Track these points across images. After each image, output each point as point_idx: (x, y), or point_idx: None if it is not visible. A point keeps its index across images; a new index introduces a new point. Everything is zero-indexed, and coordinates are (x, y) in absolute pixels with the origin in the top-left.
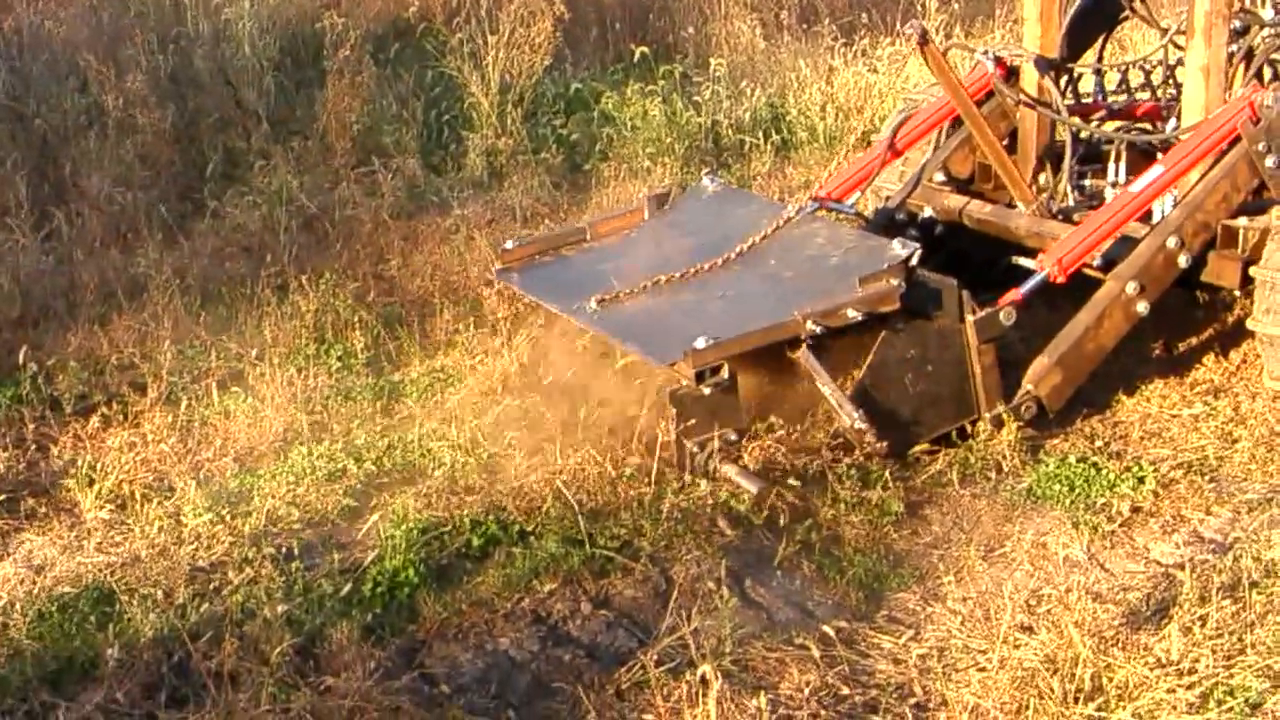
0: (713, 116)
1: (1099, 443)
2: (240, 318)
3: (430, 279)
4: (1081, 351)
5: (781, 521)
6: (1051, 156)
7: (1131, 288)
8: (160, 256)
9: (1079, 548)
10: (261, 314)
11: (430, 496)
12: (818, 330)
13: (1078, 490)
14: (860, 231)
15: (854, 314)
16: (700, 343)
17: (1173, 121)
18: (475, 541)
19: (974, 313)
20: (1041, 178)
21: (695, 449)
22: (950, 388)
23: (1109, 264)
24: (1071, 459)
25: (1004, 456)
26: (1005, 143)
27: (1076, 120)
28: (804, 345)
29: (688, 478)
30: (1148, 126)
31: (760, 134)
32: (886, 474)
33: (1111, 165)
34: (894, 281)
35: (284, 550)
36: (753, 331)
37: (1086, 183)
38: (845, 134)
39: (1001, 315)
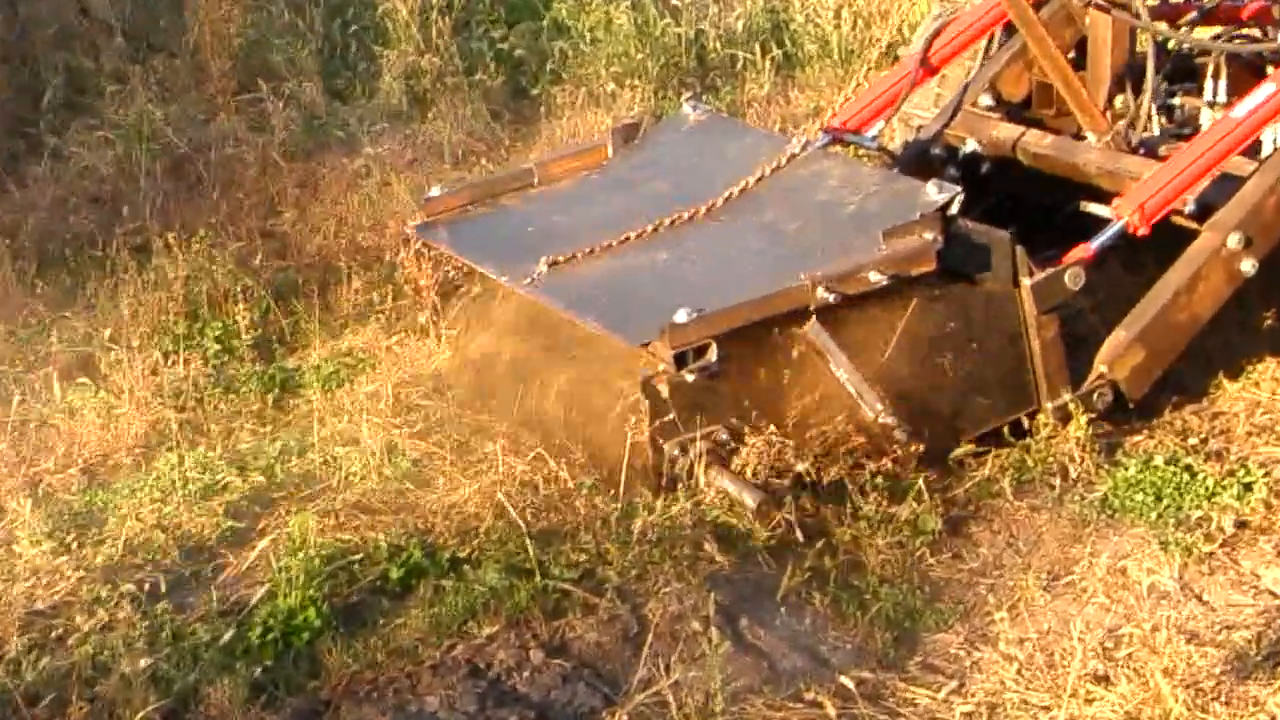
0: (696, 26)
1: (1194, 440)
2: (89, 288)
3: (334, 236)
4: (1170, 323)
5: (787, 544)
6: (1131, 73)
7: (1234, 240)
8: None
9: (1168, 574)
10: (117, 283)
11: (336, 516)
12: (831, 299)
13: (1166, 501)
14: (885, 171)
15: (877, 277)
16: (681, 316)
17: None
18: (394, 573)
19: (1031, 274)
20: (1118, 100)
21: (675, 452)
22: (1001, 371)
23: (1205, 211)
24: (1159, 461)
25: (1071, 459)
26: (1071, 56)
27: (1162, 26)
28: (813, 318)
29: (666, 489)
30: (1255, 33)
31: (757, 48)
32: (920, 482)
33: (1209, 83)
34: (928, 235)
35: (147, 587)
36: (748, 302)
37: (1176, 105)
38: (866, 47)
39: (1067, 277)
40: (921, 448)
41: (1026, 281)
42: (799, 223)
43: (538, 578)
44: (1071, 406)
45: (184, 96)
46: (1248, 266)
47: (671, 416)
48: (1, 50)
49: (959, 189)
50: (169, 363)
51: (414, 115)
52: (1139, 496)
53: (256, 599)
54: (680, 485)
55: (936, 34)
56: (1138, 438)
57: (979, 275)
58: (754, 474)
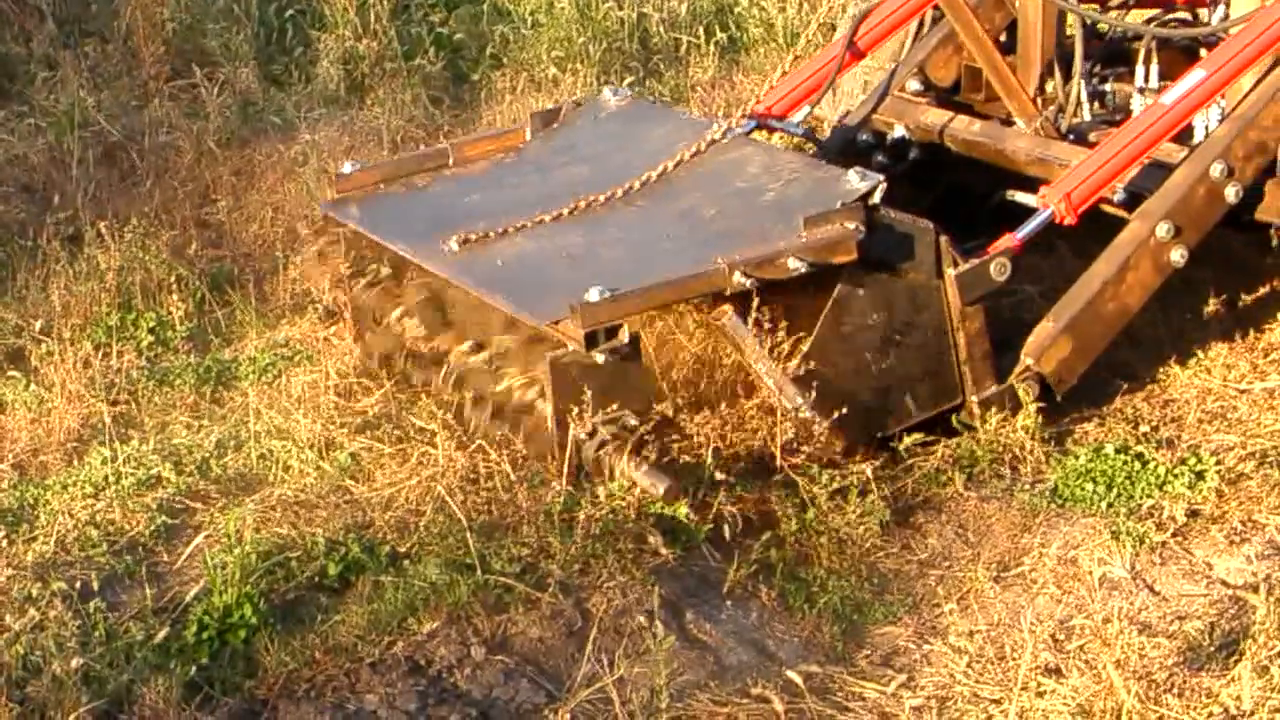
0: (638, 9)
1: (1144, 428)
2: (19, 279)
3: (271, 225)
4: (1098, 314)
5: (730, 535)
6: (1063, 58)
7: (1163, 230)
8: None
9: (1120, 565)
10: (48, 273)
11: (272, 511)
12: (747, 284)
13: (1117, 490)
14: (808, 158)
15: (796, 264)
16: (593, 295)
17: (1220, 9)
18: (331, 569)
19: (956, 265)
20: (1050, 85)
21: (584, 436)
22: (925, 363)
23: (1135, 199)
24: (1109, 449)
25: (1021, 448)
26: (1004, 39)
27: (1093, 9)
28: (729, 308)
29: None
30: (1187, 15)
31: (701, 31)
32: (869, 472)
33: (1141, 68)
34: (849, 224)
35: (79, 585)
36: (662, 283)
37: (1108, 90)
38: (811, 29)
39: (992, 268)
40: (841, 442)
41: (951, 272)
42: (716, 208)
43: (479, 572)
44: (1022, 393)
45: (116, 83)
46: (1177, 256)
47: (582, 399)
48: None
49: (881, 177)
50: (101, 355)
51: (352, 101)
52: (1090, 486)
53: (191, 596)
54: (587, 471)
55: (864, 17)
56: (1088, 426)
57: (903, 265)
58: (670, 460)
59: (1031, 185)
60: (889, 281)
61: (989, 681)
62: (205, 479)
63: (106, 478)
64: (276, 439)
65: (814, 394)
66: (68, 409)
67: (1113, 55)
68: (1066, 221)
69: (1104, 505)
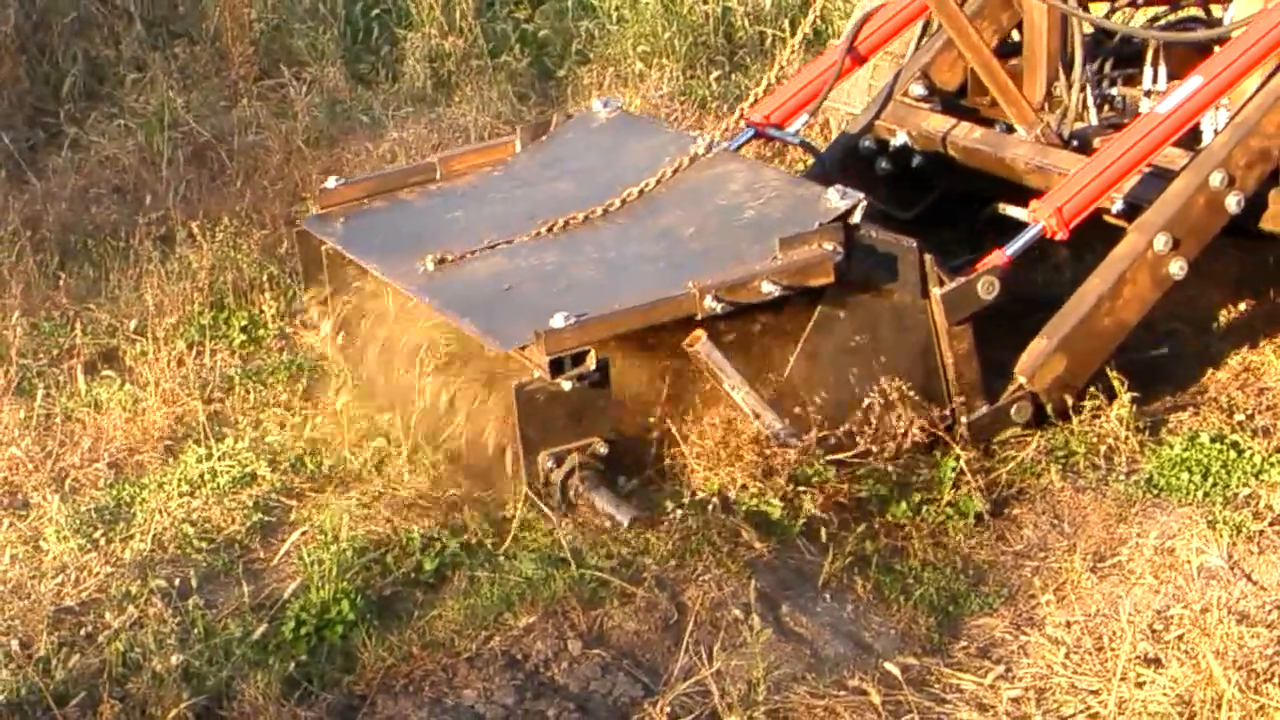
0: (724, 3)
1: (1239, 416)
2: (112, 279)
3: None
4: (1094, 331)
5: (825, 530)
6: (1069, 60)
7: (1161, 242)
8: (4, 201)
9: (1217, 554)
10: (140, 273)
11: (369, 508)
12: (719, 309)
13: (1213, 479)
14: (788, 175)
15: (770, 288)
16: (558, 321)
17: (1231, 9)
18: (427, 564)
19: (942, 284)
20: (1057, 89)
21: (549, 464)
22: (912, 386)
23: (1134, 210)
24: (1204, 438)
25: (1116, 437)
26: (1015, 40)
27: (1100, 9)
28: (703, 334)
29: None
30: (1198, 13)
31: (786, 24)
32: (963, 463)
33: (1148, 70)
34: (828, 245)
35: (177, 583)
36: (629, 309)
37: (1115, 94)
38: None
39: (980, 286)
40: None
41: (937, 292)
42: (695, 227)
43: (574, 567)
44: (1014, 413)
45: (205, 83)
46: (1176, 269)
47: (546, 427)
48: (19, 40)
49: (862, 196)
50: (195, 354)
51: (439, 98)
52: (1185, 475)
53: (289, 593)
54: (555, 500)
55: (864, 21)
56: (1182, 415)
57: (886, 286)
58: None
59: (1032, 194)
60: (872, 302)
61: (1087, 672)
62: (300, 476)
63: (202, 476)
64: (374, 434)
65: (793, 420)
66: (162, 408)
67: (1123, 56)
68: (1058, 237)
69: (1200, 494)
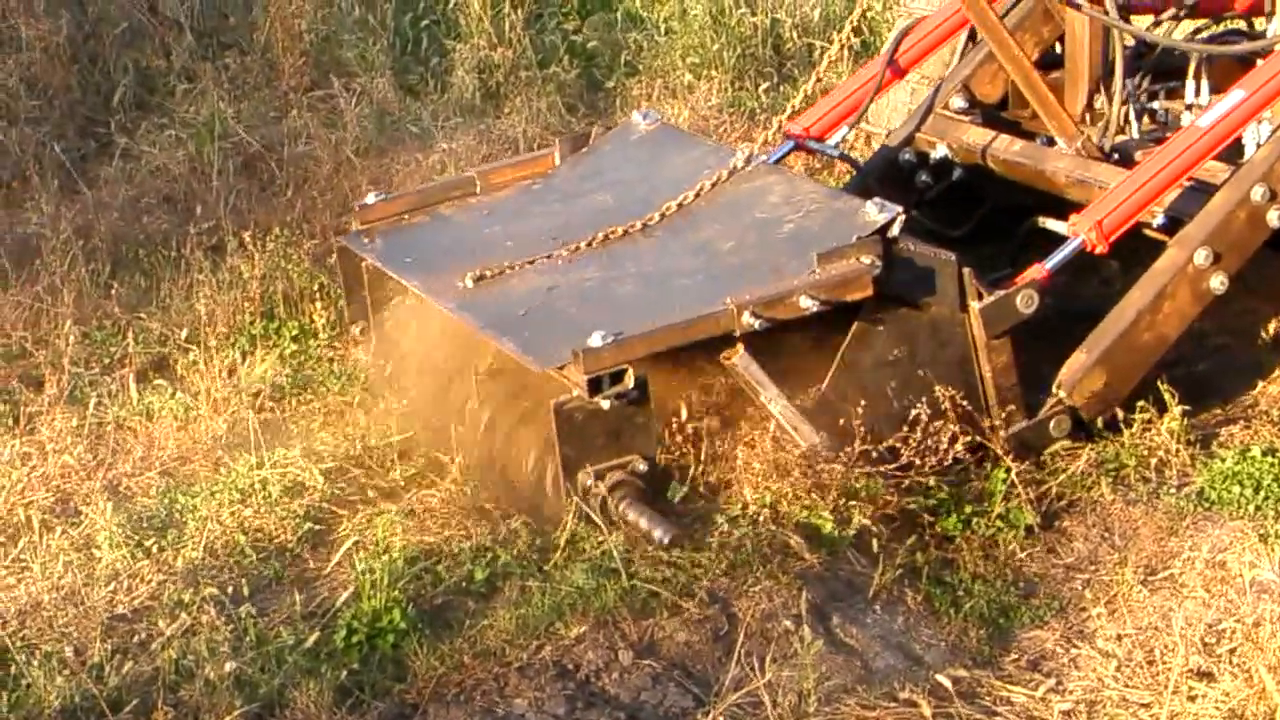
0: (772, 15)
1: None
2: (163, 289)
3: None
4: (1133, 346)
5: (876, 542)
6: (1111, 73)
7: (1202, 257)
8: (56, 210)
9: (1269, 567)
10: (191, 283)
11: (421, 517)
12: (757, 325)
13: (1265, 493)
14: (828, 189)
15: (808, 303)
16: (596, 340)
17: (1274, 22)
18: (479, 574)
19: (980, 297)
20: (1099, 102)
21: (589, 483)
22: (951, 399)
23: (1175, 224)
24: (1256, 452)
25: (1166, 451)
26: (1059, 52)
27: (1142, 22)
28: (741, 348)
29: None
30: (1241, 25)
31: (835, 36)
32: (1013, 475)
33: (1190, 83)
34: (866, 259)
35: (229, 591)
36: (667, 326)
37: (1156, 107)
38: None
39: (1019, 300)
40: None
41: (975, 305)
42: (734, 241)
43: (624, 578)
44: (1053, 428)
45: (255, 94)
46: (1217, 283)
47: (586, 446)
48: (71, 50)
49: (900, 209)
50: (246, 363)
51: (487, 109)
52: (1236, 488)
53: (341, 601)
54: (598, 518)
55: (905, 33)
56: (1233, 429)
57: (924, 300)
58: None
59: (1073, 207)
60: (910, 316)
61: (1138, 685)
62: (351, 486)
63: (253, 485)
64: (426, 445)
65: (834, 433)
66: (214, 416)
67: (1165, 69)
68: (1098, 251)
69: (1251, 508)
